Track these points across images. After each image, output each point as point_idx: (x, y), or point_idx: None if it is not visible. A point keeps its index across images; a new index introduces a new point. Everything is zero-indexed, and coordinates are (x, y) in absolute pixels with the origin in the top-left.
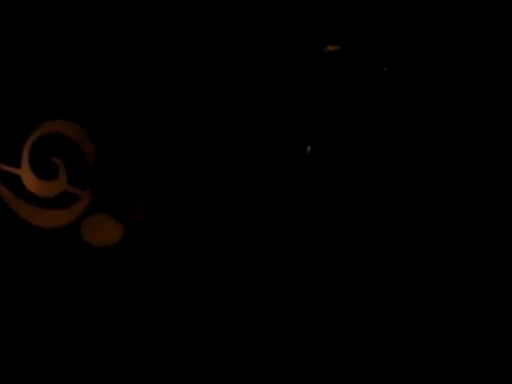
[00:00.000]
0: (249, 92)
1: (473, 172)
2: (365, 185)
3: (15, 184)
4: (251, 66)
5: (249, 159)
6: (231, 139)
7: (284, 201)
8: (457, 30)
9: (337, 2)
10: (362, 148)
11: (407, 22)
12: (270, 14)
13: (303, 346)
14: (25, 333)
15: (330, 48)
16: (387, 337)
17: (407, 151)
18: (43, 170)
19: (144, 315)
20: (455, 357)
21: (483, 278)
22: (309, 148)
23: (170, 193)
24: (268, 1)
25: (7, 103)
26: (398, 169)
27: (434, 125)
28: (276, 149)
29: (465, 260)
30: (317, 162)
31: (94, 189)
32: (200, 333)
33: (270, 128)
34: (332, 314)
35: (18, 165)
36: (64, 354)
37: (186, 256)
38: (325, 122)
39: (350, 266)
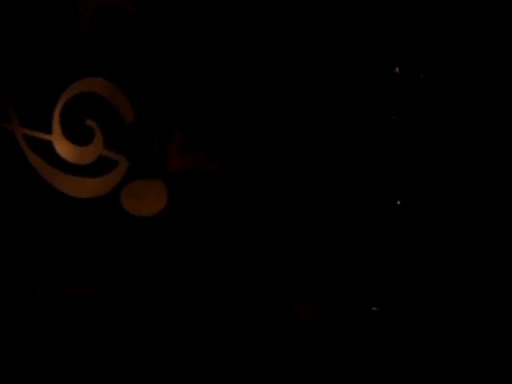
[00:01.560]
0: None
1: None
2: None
3: (47, 152)
4: None
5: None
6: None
7: None
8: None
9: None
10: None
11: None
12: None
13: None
14: (64, 307)
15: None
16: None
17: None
18: (77, 135)
19: (195, 293)
20: (454, 357)
21: (477, 276)
22: None
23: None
24: None
25: (35, 63)
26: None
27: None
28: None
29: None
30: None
31: (132, 150)
32: (262, 316)
33: None
34: None
35: (49, 130)
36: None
37: (239, 227)
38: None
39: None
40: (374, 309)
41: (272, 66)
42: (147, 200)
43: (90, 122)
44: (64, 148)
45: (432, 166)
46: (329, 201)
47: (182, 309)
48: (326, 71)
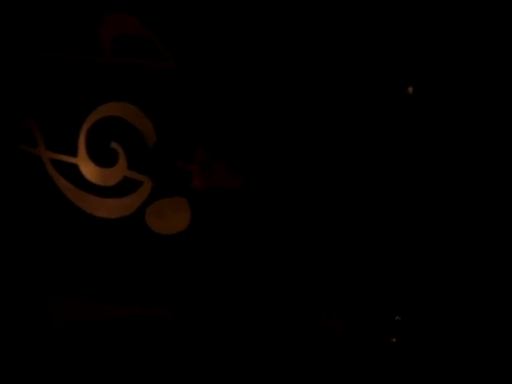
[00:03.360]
0: None
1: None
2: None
3: (73, 174)
4: None
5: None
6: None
7: None
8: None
9: None
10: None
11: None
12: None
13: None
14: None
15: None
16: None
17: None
18: (102, 157)
19: (218, 303)
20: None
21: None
22: None
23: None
24: None
25: (60, 89)
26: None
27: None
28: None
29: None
30: None
31: (156, 171)
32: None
33: None
34: None
35: (74, 154)
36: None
37: (259, 239)
38: None
39: None
40: (396, 318)
41: (289, 84)
42: (171, 218)
43: (114, 145)
44: (89, 170)
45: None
46: (348, 212)
47: (208, 324)
48: (342, 86)
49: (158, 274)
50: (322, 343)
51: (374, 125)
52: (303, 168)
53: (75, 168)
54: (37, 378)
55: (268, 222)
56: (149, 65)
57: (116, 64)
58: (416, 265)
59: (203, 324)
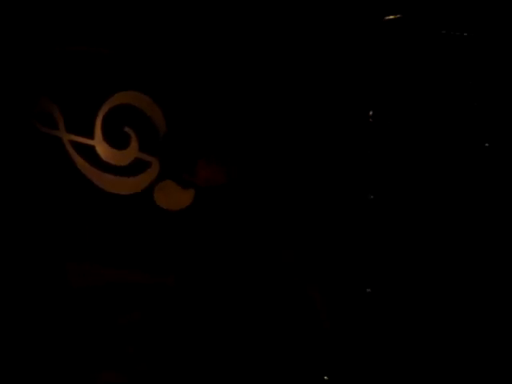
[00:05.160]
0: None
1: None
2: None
3: (90, 154)
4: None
5: None
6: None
7: None
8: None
9: None
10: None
11: None
12: None
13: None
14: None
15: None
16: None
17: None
18: (116, 140)
19: (215, 282)
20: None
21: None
22: None
23: (235, 158)
24: None
25: (79, 79)
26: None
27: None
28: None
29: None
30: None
31: (164, 156)
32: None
33: None
34: None
35: (91, 136)
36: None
37: (258, 220)
38: None
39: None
40: (367, 290)
41: (286, 85)
42: (176, 195)
43: (127, 129)
44: (105, 151)
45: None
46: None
47: (204, 295)
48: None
49: (163, 245)
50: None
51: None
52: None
53: (92, 149)
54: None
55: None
56: (162, 60)
57: (131, 57)
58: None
59: (202, 290)
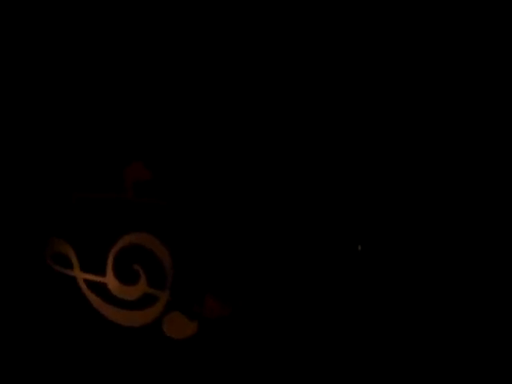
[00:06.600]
0: None
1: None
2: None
3: (102, 290)
4: None
5: None
6: None
7: None
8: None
9: None
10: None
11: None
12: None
13: None
14: None
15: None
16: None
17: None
18: (126, 277)
19: None
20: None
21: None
22: None
23: (237, 287)
24: None
25: (90, 223)
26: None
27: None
28: None
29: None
30: None
31: (172, 289)
32: None
33: None
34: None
35: (103, 274)
36: None
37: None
38: None
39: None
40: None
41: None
42: (183, 325)
43: (136, 267)
44: (116, 287)
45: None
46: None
47: None
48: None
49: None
50: None
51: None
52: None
53: (104, 286)
54: None
55: None
56: (164, 204)
57: (136, 203)
58: None
59: None
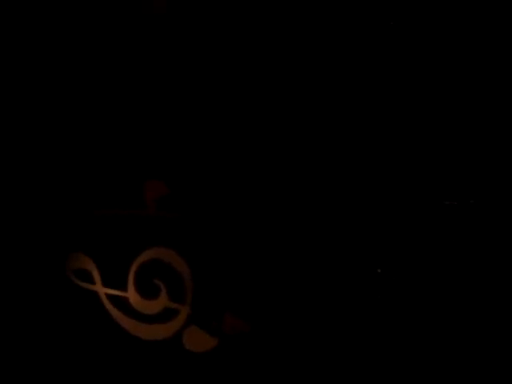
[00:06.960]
0: None
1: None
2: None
3: (123, 305)
4: None
5: None
6: None
7: None
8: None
9: None
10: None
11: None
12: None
13: None
14: None
15: None
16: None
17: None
18: (147, 291)
19: None
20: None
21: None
22: None
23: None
24: None
25: (113, 240)
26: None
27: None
28: None
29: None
30: None
31: (194, 306)
32: None
33: None
34: None
35: (125, 288)
36: None
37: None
38: None
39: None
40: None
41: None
42: (203, 339)
43: (157, 281)
44: (137, 301)
45: None
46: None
47: None
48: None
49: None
50: None
51: None
52: None
53: (125, 300)
54: None
55: None
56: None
57: (158, 217)
58: None
59: None
